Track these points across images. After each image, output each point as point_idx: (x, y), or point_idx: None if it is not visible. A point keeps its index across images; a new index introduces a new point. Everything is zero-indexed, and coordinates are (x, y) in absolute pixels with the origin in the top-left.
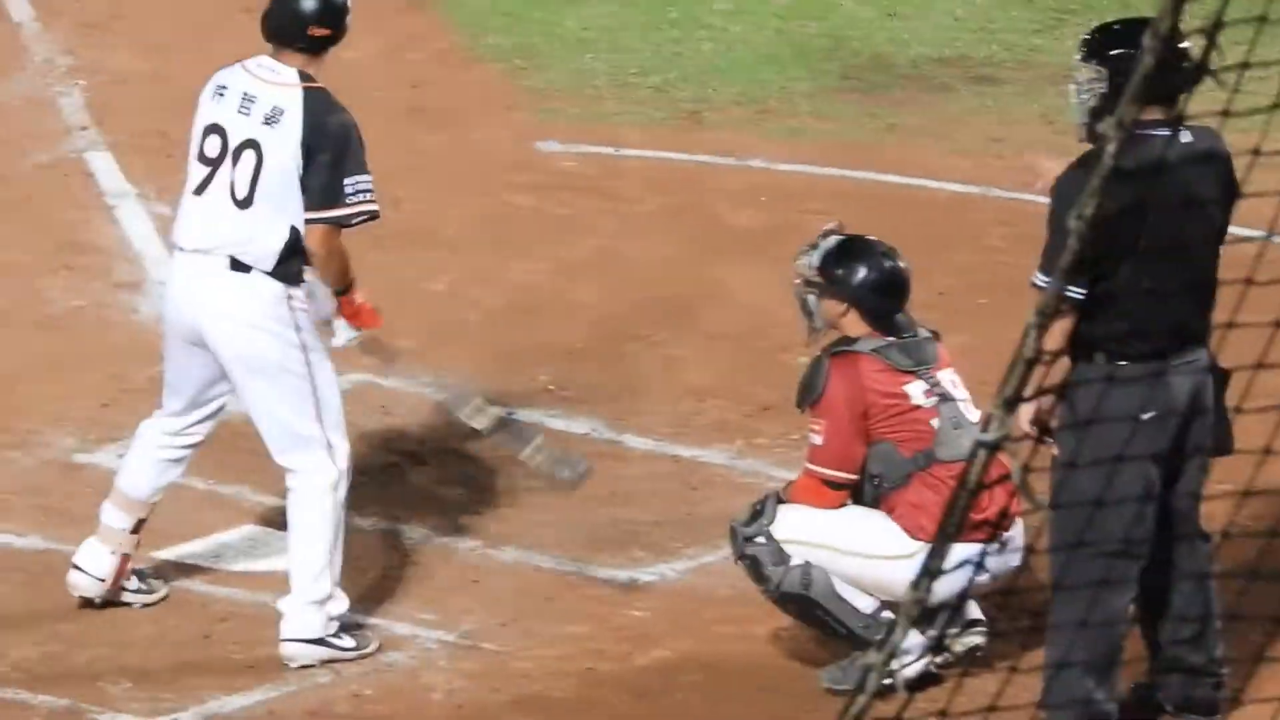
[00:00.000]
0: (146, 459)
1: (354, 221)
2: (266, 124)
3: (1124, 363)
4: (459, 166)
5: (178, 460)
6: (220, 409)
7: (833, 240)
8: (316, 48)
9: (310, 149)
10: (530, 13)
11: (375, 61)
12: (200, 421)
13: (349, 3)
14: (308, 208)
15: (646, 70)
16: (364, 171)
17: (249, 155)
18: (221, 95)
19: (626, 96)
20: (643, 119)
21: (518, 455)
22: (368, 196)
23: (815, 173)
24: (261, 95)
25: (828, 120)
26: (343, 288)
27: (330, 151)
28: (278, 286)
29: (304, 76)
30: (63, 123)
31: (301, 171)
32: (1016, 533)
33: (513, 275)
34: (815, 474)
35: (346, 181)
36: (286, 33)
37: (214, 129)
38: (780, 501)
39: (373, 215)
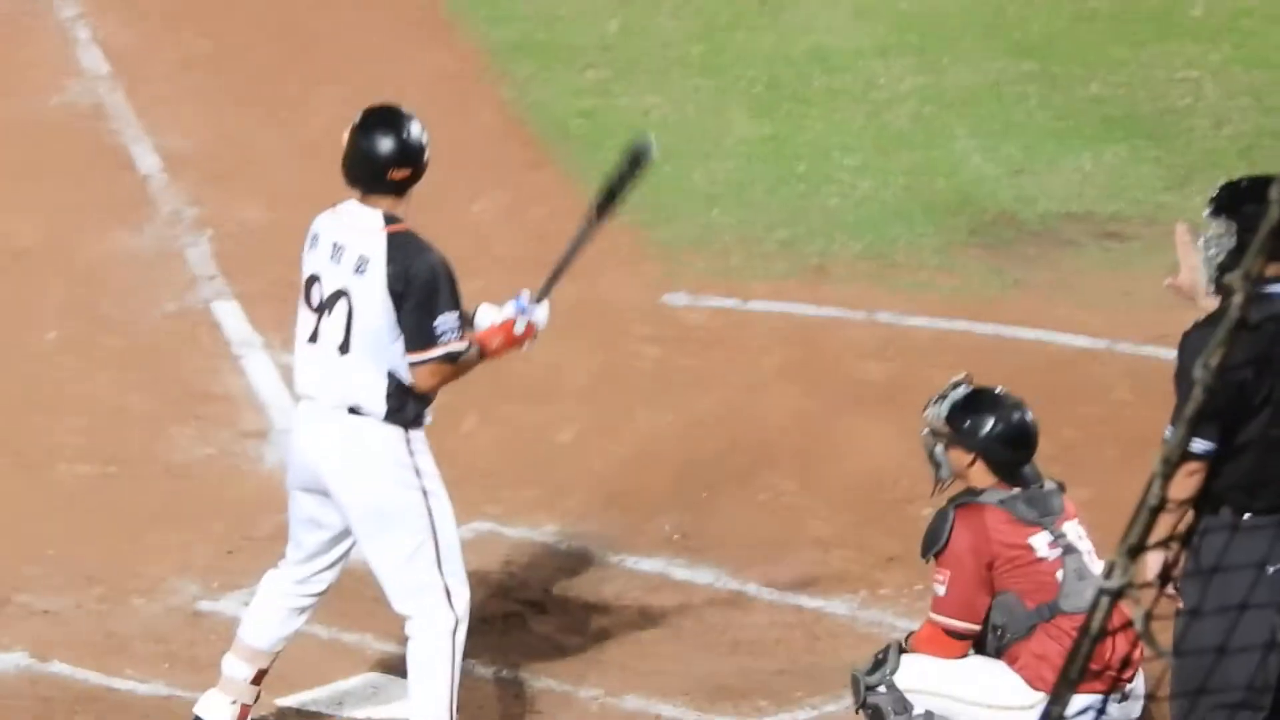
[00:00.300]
0: (270, 608)
1: (455, 358)
2: (355, 272)
3: (1249, 515)
4: (587, 318)
5: (301, 610)
6: (343, 557)
7: (961, 391)
8: (399, 189)
9: (398, 294)
10: (658, 168)
11: (500, 217)
12: (323, 570)
13: (425, 140)
14: (406, 351)
15: (773, 224)
16: (453, 309)
17: (342, 303)
18: (316, 244)
19: (753, 250)
20: (769, 272)
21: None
22: (455, 334)
23: (942, 326)
24: (349, 243)
25: (954, 275)
26: (480, 360)
27: (418, 294)
28: (395, 430)
29: (389, 219)
30: (190, 272)
31: (394, 316)
32: (1138, 682)
33: (639, 426)
34: (938, 624)
35: (437, 322)
36: (367, 177)
37: (314, 278)
38: (903, 650)
39: (461, 352)
